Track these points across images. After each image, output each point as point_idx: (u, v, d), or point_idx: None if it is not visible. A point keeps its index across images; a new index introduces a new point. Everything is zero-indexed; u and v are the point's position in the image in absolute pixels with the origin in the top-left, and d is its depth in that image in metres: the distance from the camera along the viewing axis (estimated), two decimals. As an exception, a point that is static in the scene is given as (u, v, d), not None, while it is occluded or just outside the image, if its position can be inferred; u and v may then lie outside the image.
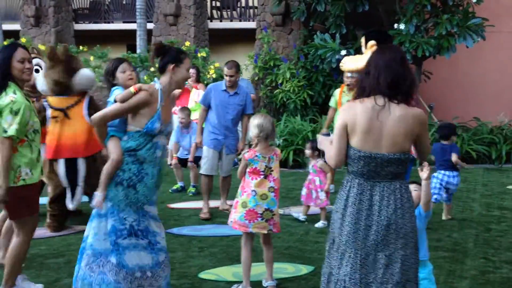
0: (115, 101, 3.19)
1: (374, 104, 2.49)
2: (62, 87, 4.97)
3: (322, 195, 5.38)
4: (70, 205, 5.01)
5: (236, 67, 5.62)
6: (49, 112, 4.93)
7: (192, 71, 8.30)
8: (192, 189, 6.83)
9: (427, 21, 9.01)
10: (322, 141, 2.80)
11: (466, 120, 9.81)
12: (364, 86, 2.56)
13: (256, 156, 3.66)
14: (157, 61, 3.29)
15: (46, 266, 4.18)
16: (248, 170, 3.69)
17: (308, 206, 5.51)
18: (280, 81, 10.03)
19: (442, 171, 5.42)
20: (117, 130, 3.23)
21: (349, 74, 6.13)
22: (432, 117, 10.23)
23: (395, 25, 8.86)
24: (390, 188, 2.54)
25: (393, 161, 2.51)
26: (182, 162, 7.03)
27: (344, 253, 2.57)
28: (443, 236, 5.00)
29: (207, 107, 5.69)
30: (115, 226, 3.18)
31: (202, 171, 5.71)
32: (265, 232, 3.68)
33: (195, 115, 7.25)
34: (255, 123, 3.68)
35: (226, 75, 5.58)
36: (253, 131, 3.68)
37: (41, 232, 5.06)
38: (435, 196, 5.30)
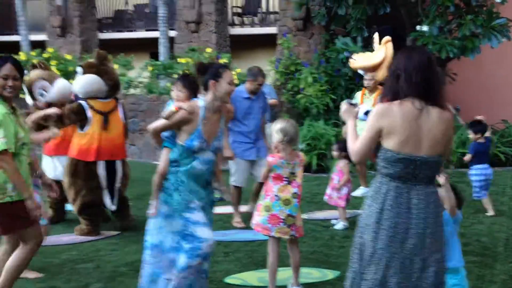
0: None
1: (412, 107, 2.47)
2: (113, 90, 5.19)
3: (334, 194, 5.37)
4: (112, 206, 5.17)
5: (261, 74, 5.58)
6: (91, 115, 5.04)
7: None
8: (216, 195, 6.86)
9: (451, 23, 8.92)
10: (347, 112, 2.72)
11: (493, 122, 9.64)
12: (396, 91, 2.51)
13: (281, 162, 3.66)
14: (201, 79, 3.42)
15: (76, 271, 4.26)
16: (271, 174, 3.70)
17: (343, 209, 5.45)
18: (302, 86, 10.02)
19: (477, 165, 5.72)
20: (169, 141, 3.40)
21: (366, 76, 6.12)
22: (458, 119, 10.09)
23: (417, 27, 8.79)
24: (425, 192, 2.53)
25: (431, 164, 2.50)
26: None
27: (381, 258, 2.52)
28: (471, 240, 4.93)
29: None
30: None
31: (233, 182, 5.61)
32: (287, 237, 3.68)
33: None
34: (277, 128, 3.67)
35: (258, 84, 5.50)
36: (276, 136, 3.68)
37: (72, 237, 5.18)
38: (479, 194, 5.84)
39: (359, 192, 6.18)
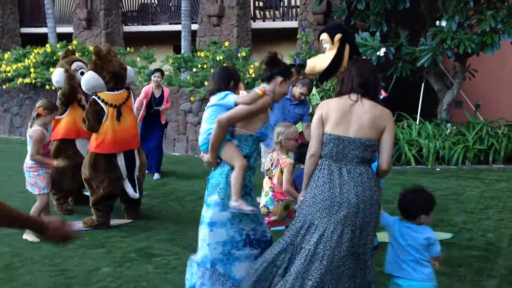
0: (236, 104, 3.04)
1: (348, 99, 2.94)
2: (116, 81, 5.29)
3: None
4: (136, 195, 5.34)
5: (311, 88, 5.82)
6: (105, 108, 5.17)
7: None
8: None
9: (471, 18, 8.81)
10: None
11: (513, 119, 9.52)
12: (341, 90, 3.01)
13: (268, 157, 4.09)
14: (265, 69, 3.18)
15: (88, 256, 4.45)
16: None
17: None
18: (320, 80, 10.06)
19: None
20: (229, 134, 3.08)
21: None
22: (477, 116, 9.97)
23: (437, 22, 8.72)
24: (356, 171, 2.87)
25: (358, 144, 2.87)
26: None
27: (316, 229, 2.85)
28: (477, 235, 4.95)
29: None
30: (234, 237, 3.05)
31: None
32: None
33: None
34: (276, 130, 4.07)
35: (302, 93, 5.71)
36: (274, 138, 4.05)
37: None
38: None
39: None
